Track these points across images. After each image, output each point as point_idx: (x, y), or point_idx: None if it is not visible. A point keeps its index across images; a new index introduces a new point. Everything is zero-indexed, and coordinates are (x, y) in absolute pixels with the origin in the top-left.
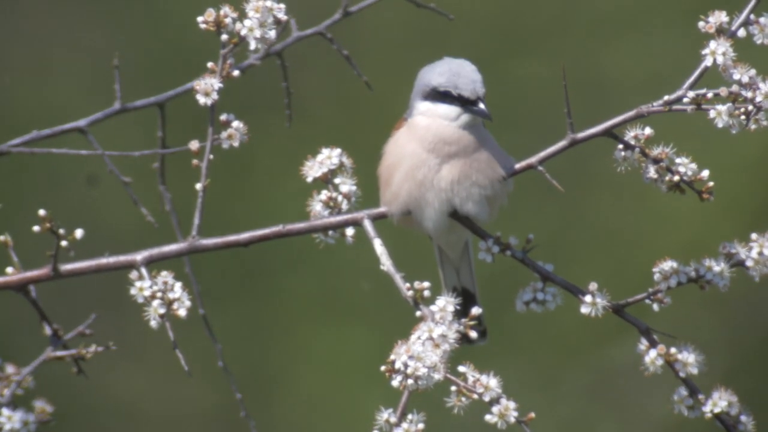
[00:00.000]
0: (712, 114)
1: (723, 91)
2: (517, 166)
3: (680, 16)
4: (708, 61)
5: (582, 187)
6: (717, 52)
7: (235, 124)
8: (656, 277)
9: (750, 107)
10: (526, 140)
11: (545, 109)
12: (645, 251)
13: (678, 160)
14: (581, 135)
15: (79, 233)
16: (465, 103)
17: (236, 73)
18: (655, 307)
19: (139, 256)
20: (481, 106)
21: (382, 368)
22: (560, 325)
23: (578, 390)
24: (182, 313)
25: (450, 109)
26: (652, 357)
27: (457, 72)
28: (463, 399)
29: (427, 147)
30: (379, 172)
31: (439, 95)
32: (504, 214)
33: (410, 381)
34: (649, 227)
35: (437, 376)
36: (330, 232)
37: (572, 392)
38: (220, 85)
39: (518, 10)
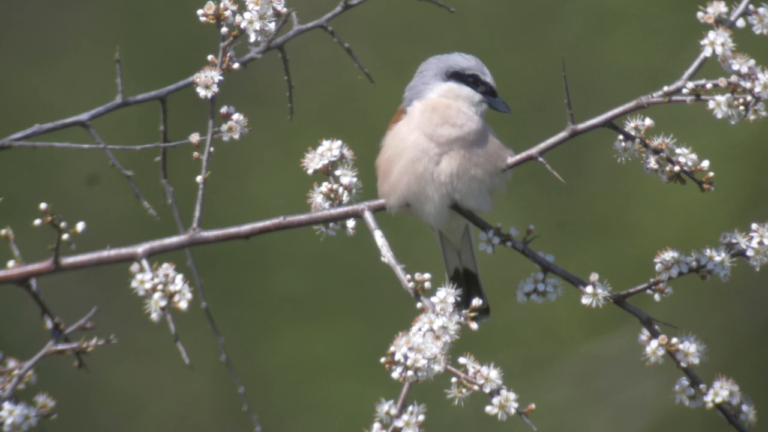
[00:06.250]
0: (711, 105)
1: (722, 82)
2: (518, 157)
3: (678, 6)
4: (707, 52)
5: (580, 179)
6: (716, 42)
7: (236, 116)
8: (657, 267)
9: (749, 98)
10: (521, 133)
11: (540, 101)
12: (640, 243)
13: (678, 151)
14: (581, 126)
15: (80, 227)
16: (487, 91)
17: (236, 65)
18: (657, 297)
19: (139, 249)
20: (500, 99)
21: (382, 360)
22: (554, 317)
23: (570, 380)
24: (183, 305)
25: (473, 93)
26: (654, 347)
27: (480, 62)
28: (464, 390)
29: (431, 128)
30: (377, 163)
31: (464, 78)
32: (505, 206)
33: (410, 373)
34: (644, 218)
35: (437, 368)
36: (331, 224)
37: (564, 383)
38: (221, 77)
39: (514, 1)
